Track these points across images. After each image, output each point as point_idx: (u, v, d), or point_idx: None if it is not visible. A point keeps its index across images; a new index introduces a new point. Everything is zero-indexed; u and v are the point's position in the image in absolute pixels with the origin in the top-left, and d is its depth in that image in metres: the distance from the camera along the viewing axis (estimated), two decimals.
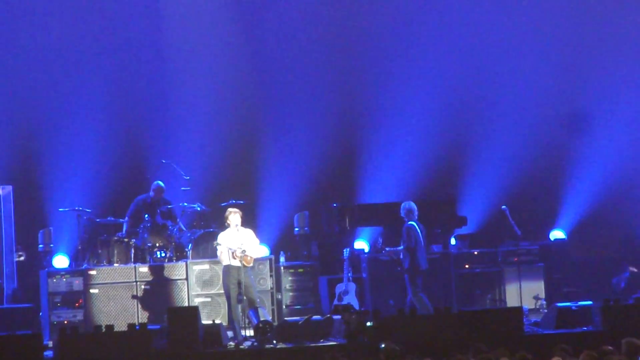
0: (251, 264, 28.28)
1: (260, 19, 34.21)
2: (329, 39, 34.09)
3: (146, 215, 30.20)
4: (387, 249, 30.22)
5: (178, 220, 30.63)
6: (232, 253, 27.80)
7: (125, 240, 30.18)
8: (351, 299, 29.60)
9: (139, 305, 29.49)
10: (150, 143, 32.97)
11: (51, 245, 30.50)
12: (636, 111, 33.85)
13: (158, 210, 30.37)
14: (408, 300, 29.47)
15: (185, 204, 30.94)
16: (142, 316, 29.27)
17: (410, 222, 29.46)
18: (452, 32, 34.10)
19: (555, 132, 33.63)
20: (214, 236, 29.08)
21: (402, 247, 29.39)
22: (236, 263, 28.32)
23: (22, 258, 30.83)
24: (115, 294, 29.46)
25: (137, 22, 33.71)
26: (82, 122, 32.77)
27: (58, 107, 32.88)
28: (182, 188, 31.23)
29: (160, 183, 30.80)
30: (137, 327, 26.92)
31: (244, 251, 28.24)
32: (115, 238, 30.27)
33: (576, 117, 33.90)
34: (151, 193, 30.74)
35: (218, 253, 28.17)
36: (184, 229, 30.54)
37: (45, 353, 26.01)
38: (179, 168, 31.50)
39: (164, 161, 31.55)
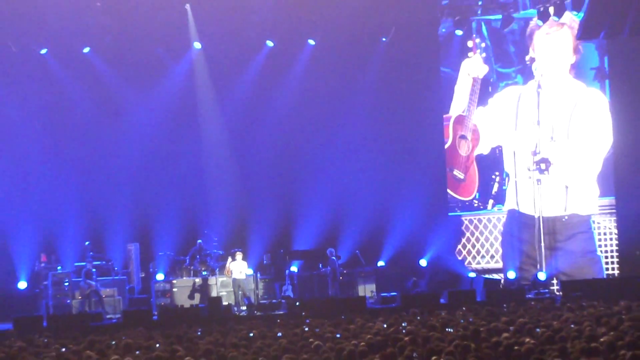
0: (244, 277, 29.55)
1: (243, 157, 33.10)
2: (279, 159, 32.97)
3: (197, 256, 30.35)
4: (322, 269, 30.66)
5: (212, 257, 30.56)
6: (231, 271, 29.15)
7: (189, 267, 30.38)
8: (289, 293, 29.93)
9: (195, 296, 29.65)
10: (199, 218, 32.18)
11: (155, 269, 30.54)
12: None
13: (203, 253, 30.42)
14: (330, 292, 30.02)
15: (215, 250, 30.84)
16: (197, 301, 29.39)
17: (332, 257, 30.29)
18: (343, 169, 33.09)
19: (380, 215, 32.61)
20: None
21: (329, 268, 30.22)
22: (239, 276, 29.82)
23: (143, 275, 30.97)
24: (184, 291, 29.71)
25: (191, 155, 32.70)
26: (167, 206, 31.93)
27: (156, 198, 32.07)
28: (214, 243, 31.12)
29: (200, 241, 30.68)
30: (194, 306, 28.40)
31: (241, 272, 29.81)
32: (184, 266, 30.46)
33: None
34: (197, 246, 30.64)
35: (230, 270, 29.28)
36: (214, 261, 30.57)
37: (154, 317, 27.21)
38: (212, 234, 31.46)
39: (205, 231, 31.57)
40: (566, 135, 32.11)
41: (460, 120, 33.15)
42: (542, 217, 31.20)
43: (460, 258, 32.98)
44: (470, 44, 33.04)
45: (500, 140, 32.97)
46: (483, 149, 33.19)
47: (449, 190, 33.29)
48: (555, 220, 32.00)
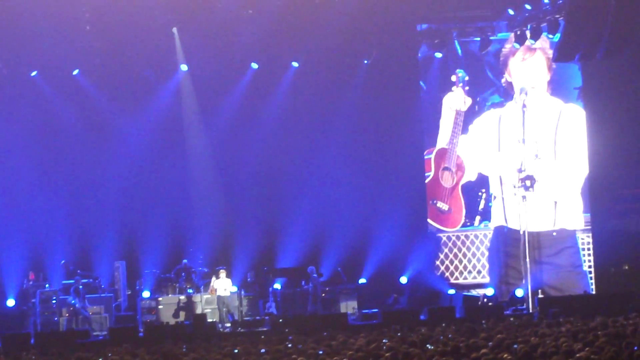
0: (228, 294, 29.81)
1: (228, 176, 33.07)
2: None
3: (183, 273, 30.35)
4: (305, 286, 30.68)
5: (197, 275, 30.71)
6: (215, 290, 29.23)
7: (174, 284, 30.33)
8: (273, 310, 29.93)
9: (179, 314, 29.57)
10: (185, 236, 32.05)
11: (142, 287, 30.42)
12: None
13: (189, 271, 30.50)
14: (309, 309, 30.13)
15: (200, 268, 31.04)
16: (182, 318, 29.35)
17: (314, 275, 30.37)
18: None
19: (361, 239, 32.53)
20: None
21: (311, 285, 30.32)
22: (223, 293, 29.80)
23: (129, 293, 30.95)
24: (170, 308, 29.62)
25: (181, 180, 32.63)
26: (154, 225, 31.81)
27: (142, 216, 32.01)
28: (199, 260, 31.26)
29: (185, 261, 30.77)
30: (180, 323, 28.41)
31: (225, 289, 29.78)
32: (170, 283, 30.39)
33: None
34: (181, 265, 30.66)
35: (214, 289, 29.40)
36: (199, 279, 30.69)
37: (140, 334, 27.14)
38: (197, 252, 31.53)
39: (191, 249, 31.61)
40: (552, 151, 32.39)
41: (442, 152, 33.27)
42: (530, 232, 31.27)
43: (447, 274, 33.03)
44: (453, 78, 33.21)
45: (485, 163, 33.13)
46: (470, 176, 33.37)
47: (431, 222, 33.22)
48: (544, 235, 32.19)
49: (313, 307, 30.18)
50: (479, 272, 33.13)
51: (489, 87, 33.61)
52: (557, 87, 33.12)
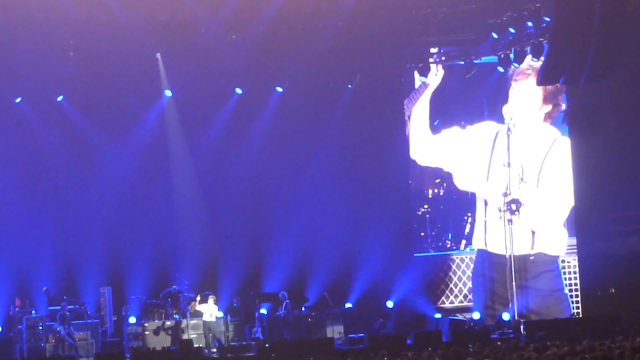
0: (214, 320, 29.92)
1: (213, 201, 33.08)
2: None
3: (169, 299, 30.38)
4: (278, 312, 30.70)
5: (184, 300, 30.60)
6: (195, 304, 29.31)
7: (160, 309, 30.33)
8: (259, 335, 30.01)
9: (166, 338, 29.53)
10: (171, 261, 32.05)
11: (128, 313, 30.57)
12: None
13: (177, 296, 30.41)
14: (284, 335, 30.16)
15: (186, 293, 30.88)
16: (168, 343, 29.24)
17: (286, 300, 30.39)
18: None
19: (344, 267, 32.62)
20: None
21: (284, 311, 30.27)
22: (209, 319, 29.87)
23: (115, 318, 30.85)
24: (156, 334, 29.63)
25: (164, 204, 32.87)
26: (139, 250, 31.80)
27: (128, 242, 31.90)
28: (185, 286, 31.13)
29: (175, 287, 30.78)
30: (166, 348, 28.41)
31: (211, 314, 29.82)
32: (156, 308, 30.39)
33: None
34: (172, 289, 30.67)
35: (194, 306, 29.65)
36: (185, 304, 30.57)
37: None
38: (183, 277, 31.52)
39: (177, 274, 31.61)
40: (536, 179, 32.30)
41: None
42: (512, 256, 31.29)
43: (433, 298, 33.10)
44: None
45: (473, 183, 33.19)
46: (440, 162, 33.31)
47: None
48: (523, 259, 32.11)
49: (285, 333, 30.36)
50: (465, 296, 33.23)
51: (476, 112, 33.65)
52: (558, 118, 33.05)
